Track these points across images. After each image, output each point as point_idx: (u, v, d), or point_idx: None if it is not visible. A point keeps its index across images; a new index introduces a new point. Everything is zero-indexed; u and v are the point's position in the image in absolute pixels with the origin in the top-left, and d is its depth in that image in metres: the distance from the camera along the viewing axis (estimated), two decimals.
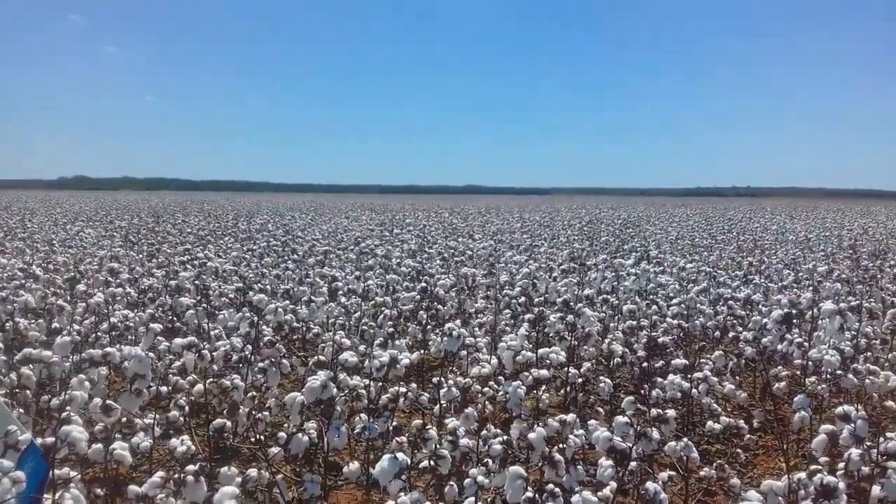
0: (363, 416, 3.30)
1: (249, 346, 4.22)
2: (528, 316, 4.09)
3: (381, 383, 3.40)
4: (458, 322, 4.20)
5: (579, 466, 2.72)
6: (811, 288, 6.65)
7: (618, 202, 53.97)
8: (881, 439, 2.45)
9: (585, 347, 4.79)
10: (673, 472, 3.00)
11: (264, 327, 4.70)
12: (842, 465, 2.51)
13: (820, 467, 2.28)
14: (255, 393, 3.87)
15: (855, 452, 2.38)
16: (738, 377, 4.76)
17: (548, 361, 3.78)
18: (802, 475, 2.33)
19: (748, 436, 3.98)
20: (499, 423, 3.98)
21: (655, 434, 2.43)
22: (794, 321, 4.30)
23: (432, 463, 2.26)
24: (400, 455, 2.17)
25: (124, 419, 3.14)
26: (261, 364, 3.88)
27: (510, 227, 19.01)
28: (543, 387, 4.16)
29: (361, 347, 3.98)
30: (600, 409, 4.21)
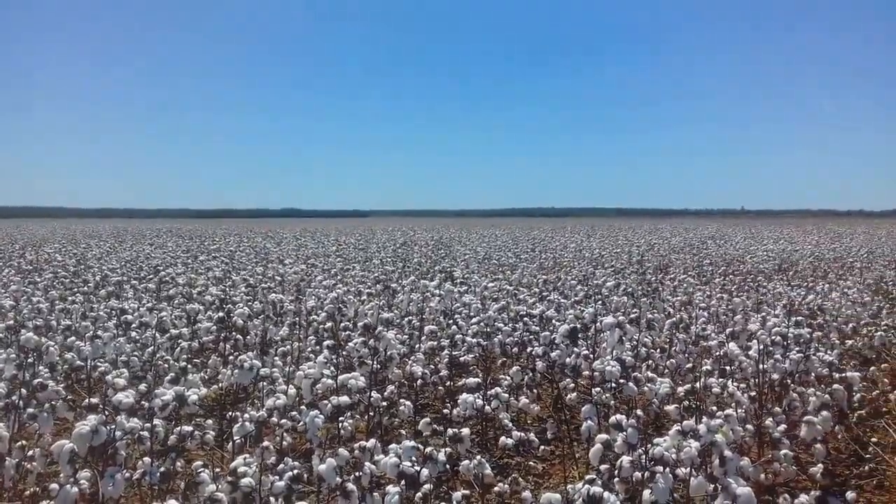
0: (146, 459, 3.08)
1: (23, 391, 3.81)
2: (326, 342, 4.02)
3: (172, 422, 3.19)
4: (250, 353, 4.04)
5: (376, 494, 2.69)
6: (600, 302, 7.11)
7: (433, 224, 55.22)
8: (649, 445, 2.63)
9: (393, 370, 4.80)
10: (468, 491, 3.05)
11: (41, 368, 4.28)
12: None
13: (594, 477, 2.40)
14: (24, 442, 3.50)
15: (626, 459, 2.53)
16: (534, 391, 4.97)
17: (348, 387, 3.73)
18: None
19: (542, 447, 4.16)
20: (299, 455, 3.87)
21: (441, 456, 2.45)
22: (580, 335, 4.57)
23: None
24: (171, 503, 2.02)
25: None
26: (30, 410, 3.51)
27: (325, 250, 18.82)
28: (348, 413, 4.12)
29: (142, 386, 3.72)
30: (403, 432, 4.22)
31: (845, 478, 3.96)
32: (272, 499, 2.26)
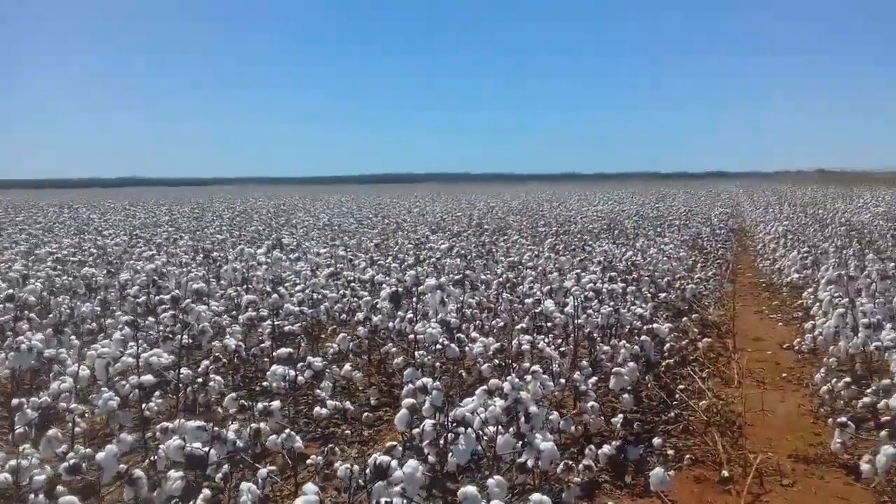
0: None
1: None
2: (125, 318, 3.71)
3: None
4: (30, 333, 3.65)
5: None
6: (432, 266, 7.11)
7: (276, 192, 53.76)
8: (454, 408, 2.59)
9: (214, 343, 4.53)
10: (274, 467, 2.91)
11: None
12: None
13: (395, 444, 2.32)
14: None
15: (428, 423, 2.48)
16: (361, 357, 4.86)
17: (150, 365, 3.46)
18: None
19: (367, 414, 4.08)
20: (100, 441, 3.55)
21: (231, 434, 2.29)
22: (405, 298, 4.52)
23: None
24: None
25: None
26: None
27: (156, 220, 17.77)
28: (157, 393, 3.83)
29: None
30: (218, 410, 3.99)
31: (654, 424, 4.15)
32: (32, 496, 2.01)
